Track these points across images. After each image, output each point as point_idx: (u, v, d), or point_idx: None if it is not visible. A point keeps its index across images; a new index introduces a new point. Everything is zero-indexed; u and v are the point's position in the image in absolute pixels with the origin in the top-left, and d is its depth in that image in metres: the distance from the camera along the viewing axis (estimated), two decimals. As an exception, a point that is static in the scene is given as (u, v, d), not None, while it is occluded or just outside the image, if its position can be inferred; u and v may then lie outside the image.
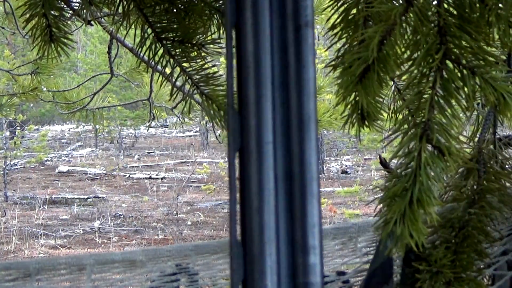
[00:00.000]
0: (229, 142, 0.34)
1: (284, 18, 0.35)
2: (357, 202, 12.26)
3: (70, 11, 1.24)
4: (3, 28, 4.37)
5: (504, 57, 1.12)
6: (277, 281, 0.34)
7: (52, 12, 1.21)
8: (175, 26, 1.18)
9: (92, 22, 1.41)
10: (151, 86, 4.35)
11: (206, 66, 1.18)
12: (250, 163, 0.33)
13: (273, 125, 0.34)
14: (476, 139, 1.18)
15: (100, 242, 11.27)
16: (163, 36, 1.17)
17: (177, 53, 1.17)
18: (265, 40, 0.34)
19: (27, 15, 1.20)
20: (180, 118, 4.76)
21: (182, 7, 1.19)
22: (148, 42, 1.17)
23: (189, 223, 12.95)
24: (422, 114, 0.78)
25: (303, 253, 0.34)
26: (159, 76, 1.47)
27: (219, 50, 1.20)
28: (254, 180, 0.34)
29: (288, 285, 0.34)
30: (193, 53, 1.18)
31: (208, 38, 1.19)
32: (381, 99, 0.87)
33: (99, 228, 12.05)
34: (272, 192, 0.34)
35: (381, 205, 0.80)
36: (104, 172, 17.73)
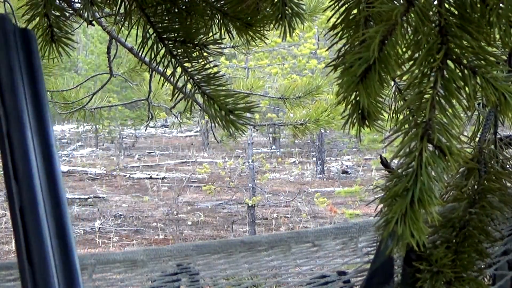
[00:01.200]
0: (13, 202, 0.54)
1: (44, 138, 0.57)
2: (357, 202, 12.27)
3: (71, 11, 1.25)
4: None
5: (505, 57, 1.12)
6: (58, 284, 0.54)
7: (54, 12, 1.21)
8: (177, 26, 1.18)
9: (94, 22, 1.41)
10: (149, 86, 4.35)
11: (207, 66, 1.18)
12: (28, 213, 0.54)
13: (41, 188, 0.55)
14: (477, 139, 1.18)
15: (100, 242, 11.27)
16: (165, 36, 1.17)
17: (179, 53, 1.17)
18: (29, 147, 0.55)
19: (29, 15, 1.20)
20: (179, 118, 4.76)
21: (184, 7, 1.19)
22: (149, 42, 1.17)
23: (189, 223, 12.96)
24: (423, 114, 0.78)
25: (68, 264, 0.55)
26: (160, 77, 1.47)
27: (221, 50, 1.20)
28: (32, 227, 0.54)
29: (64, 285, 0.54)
30: (194, 53, 1.18)
31: (210, 38, 1.19)
32: (382, 99, 0.88)
33: (99, 228, 12.05)
34: (47, 234, 0.54)
35: (382, 205, 0.80)
36: (105, 172, 17.74)
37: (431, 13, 0.80)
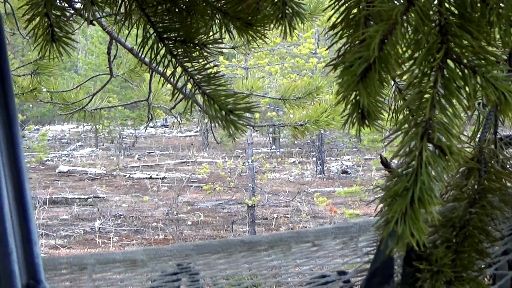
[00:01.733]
0: None
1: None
2: (357, 202, 12.27)
3: (72, 11, 1.25)
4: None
5: (505, 57, 1.12)
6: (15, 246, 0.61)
7: (54, 12, 1.21)
8: (177, 26, 1.18)
9: (94, 22, 1.42)
10: (150, 87, 4.34)
11: (208, 66, 1.18)
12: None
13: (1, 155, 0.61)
14: (477, 138, 1.18)
15: (100, 242, 11.27)
16: (165, 36, 1.17)
17: (179, 53, 1.17)
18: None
19: (29, 15, 1.20)
20: (178, 118, 4.76)
21: (184, 7, 1.19)
22: (149, 42, 1.17)
23: (189, 223, 12.96)
24: (423, 114, 0.78)
25: (27, 237, 0.62)
26: (160, 77, 1.47)
27: (221, 50, 1.20)
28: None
29: (22, 249, 0.62)
30: (195, 53, 1.18)
31: (210, 38, 1.19)
32: (382, 99, 0.88)
33: (99, 228, 12.05)
34: (9, 217, 0.60)
35: (382, 204, 0.80)
36: (105, 172, 17.74)
37: (431, 12, 0.80)
